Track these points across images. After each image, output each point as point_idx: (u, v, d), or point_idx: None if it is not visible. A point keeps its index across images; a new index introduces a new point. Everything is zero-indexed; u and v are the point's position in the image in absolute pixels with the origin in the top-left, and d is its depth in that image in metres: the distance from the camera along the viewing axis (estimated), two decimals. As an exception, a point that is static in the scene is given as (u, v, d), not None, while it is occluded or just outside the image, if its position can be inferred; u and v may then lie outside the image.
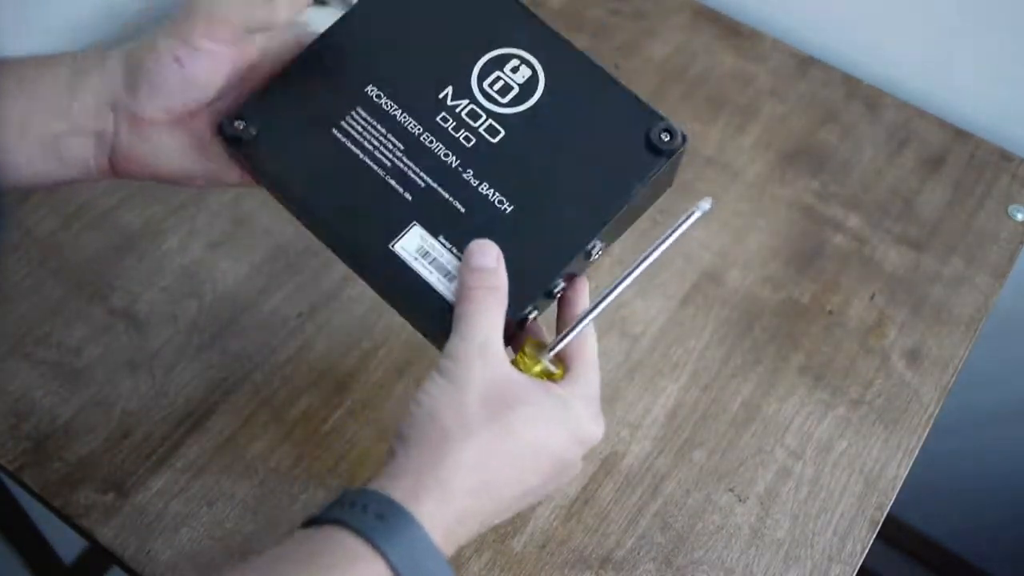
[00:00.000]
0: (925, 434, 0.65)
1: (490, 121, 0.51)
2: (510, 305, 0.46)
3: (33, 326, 0.64)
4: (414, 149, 0.51)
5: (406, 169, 0.50)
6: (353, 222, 0.49)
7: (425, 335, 0.50)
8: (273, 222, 0.70)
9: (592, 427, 0.46)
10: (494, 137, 0.51)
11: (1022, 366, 1.02)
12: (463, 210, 0.49)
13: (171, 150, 0.51)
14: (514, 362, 0.47)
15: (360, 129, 0.51)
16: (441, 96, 0.52)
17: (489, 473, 0.42)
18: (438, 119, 0.51)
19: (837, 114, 0.82)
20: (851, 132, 0.81)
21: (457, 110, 0.51)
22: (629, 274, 0.49)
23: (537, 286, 0.48)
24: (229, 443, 0.61)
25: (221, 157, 0.52)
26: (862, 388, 0.67)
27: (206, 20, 0.48)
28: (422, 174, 0.50)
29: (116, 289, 0.66)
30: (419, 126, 0.51)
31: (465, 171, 0.50)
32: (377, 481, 0.41)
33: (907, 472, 0.63)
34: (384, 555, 0.38)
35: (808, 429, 0.64)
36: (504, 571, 0.57)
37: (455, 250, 0.48)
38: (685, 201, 0.75)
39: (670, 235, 0.50)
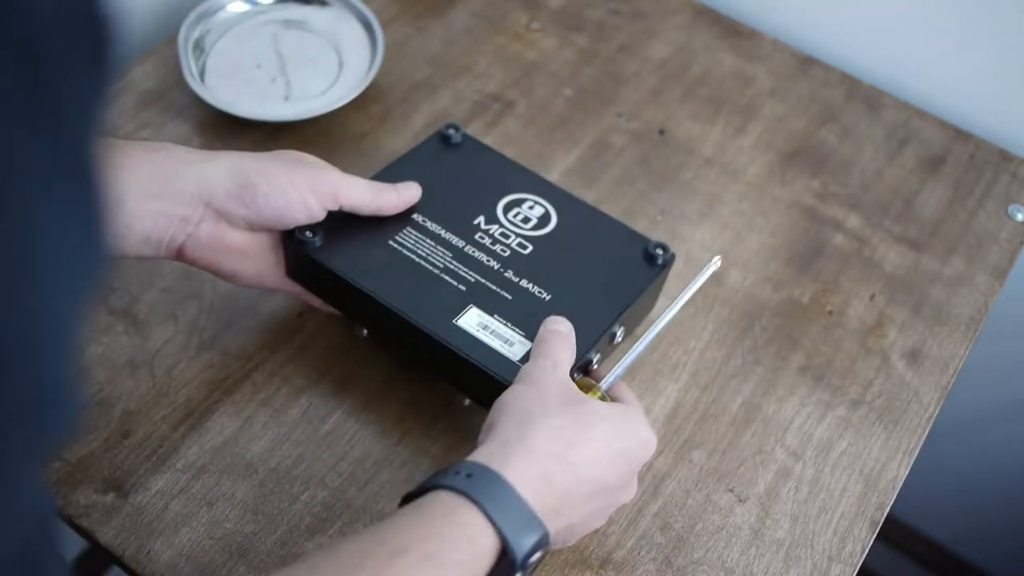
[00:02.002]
0: (925, 434, 0.65)
1: (519, 239, 0.63)
2: None
3: (33, 326, 0.64)
4: (460, 256, 0.61)
5: (456, 269, 0.60)
6: (418, 304, 0.58)
7: (489, 392, 0.55)
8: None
9: (649, 433, 0.51)
10: (524, 250, 0.62)
11: (1022, 366, 1.02)
12: (510, 298, 0.59)
13: (240, 250, 0.57)
14: None
15: (413, 241, 0.61)
16: (475, 222, 0.63)
17: (568, 445, 0.47)
18: (476, 236, 0.62)
19: (837, 114, 0.82)
20: (851, 132, 0.81)
21: (490, 231, 0.63)
22: (660, 322, 0.58)
23: (579, 356, 0.56)
24: (229, 443, 0.61)
25: (280, 266, 0.60)
26: (862, 388, 0.67)
27: (332, 198, 0.57)
28: (471, 272, 0.60)
29: (116, 289, 0.66)
30: (461, 240, 0.62)
31: (506, 271, 0.60)
32: (470, 455, 0.46)
33: (907, 472, 0.63)
34: (477, 502, 0.42)
35: (808, 429, 0.64)
36: (504, 571, 0.57)
37: (510, 324, 0.58)
38: (685, 202, 0.75)
39: (688, 291, 0.59)
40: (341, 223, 0.60)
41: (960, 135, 0.82)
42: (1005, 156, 0.80)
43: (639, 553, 0.58)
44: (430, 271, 0.60)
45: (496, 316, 0.58)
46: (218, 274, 0.59)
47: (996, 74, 0.83)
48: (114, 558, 0.56)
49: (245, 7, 0.81)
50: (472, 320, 0.57)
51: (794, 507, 0.61)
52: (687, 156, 0.78)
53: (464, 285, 0.59)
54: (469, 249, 0.61)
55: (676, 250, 0.66)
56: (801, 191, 0.77)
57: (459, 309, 0.58)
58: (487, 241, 0.62)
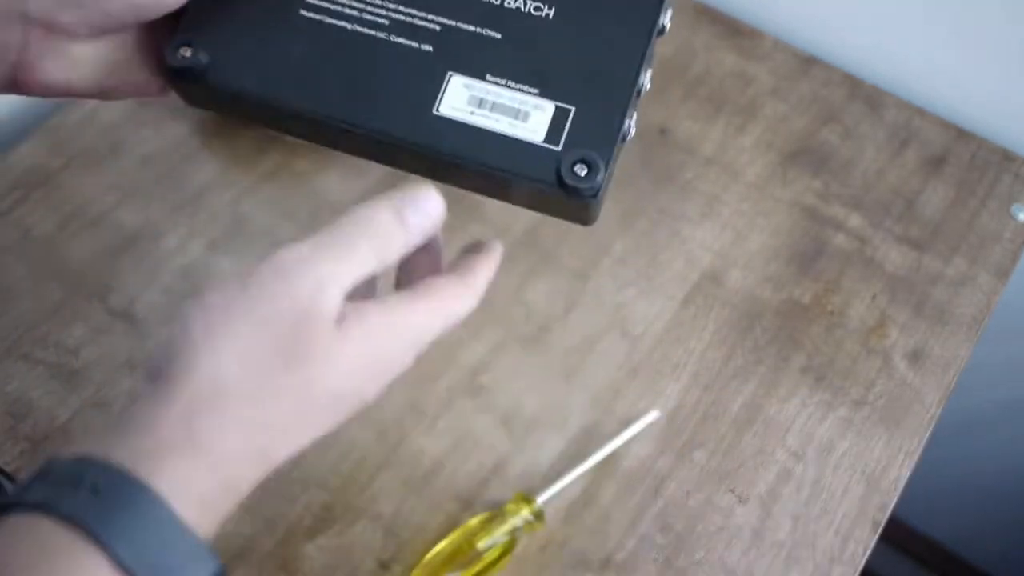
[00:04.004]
0: (927, 435, 0.65)
1: None
2: (605, 144, 0.41)
3: (31, 326, 0.64)
4: None
5: (410, 19, 0.41)
6: (377, 104, 0.40)
7: (512, 191, 0.41)
8: (273, 222, 0.70)
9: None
10: None
11: (1024, 367, 1.02)
12: (499, 35, 0.41)
13: (90, 64, 0.41)
14: None
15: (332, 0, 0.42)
16: None
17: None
18: None
19: (838, 114, 0.82)
20: (852, 132, 0.81)
21: None
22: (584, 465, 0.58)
23: (613, 126, 0.42)
24: (228, 444, 0.60)
25: (146, 68, 0.42)
26: (864, 389, 0.66)
27: None
28: (432, 16, 0.41)
29: (115, 289, 0.66)
30: None
31: None
32: (111, 431, 0.32)
33: (909, 473, 0.63)
34: (105, 545, 0.28)
35: (809, 430, 0.64)
36: (504, 572, 0.57)
37: (512, 83, 0.40)
38: (685, 201, 0.75)
39: (619, 440, 0.60)
40: (226, 10, 0.41)
41: (962, 135, 0.81)
42: (1007, 156, 0.80)
43: (639, 554, 0.58)
44: (376, 38, 0.41)
45: (489, 77, 0.40)
46: (85, 96, 0.43)
47: (998, 74, 0.82)
48: (113, 559, 0.56)
49: (245, 7, 0.81)
50: (459, 97, 0.40)
51: (795, 508, 0.61)
52: (687, 156, 0.78)
53: (428, 43, 0.41)
54: None
55: (676, 250, 0.65)
56: (802, 191, 0.77)
57: (437, 85, 0.40)
58: None
